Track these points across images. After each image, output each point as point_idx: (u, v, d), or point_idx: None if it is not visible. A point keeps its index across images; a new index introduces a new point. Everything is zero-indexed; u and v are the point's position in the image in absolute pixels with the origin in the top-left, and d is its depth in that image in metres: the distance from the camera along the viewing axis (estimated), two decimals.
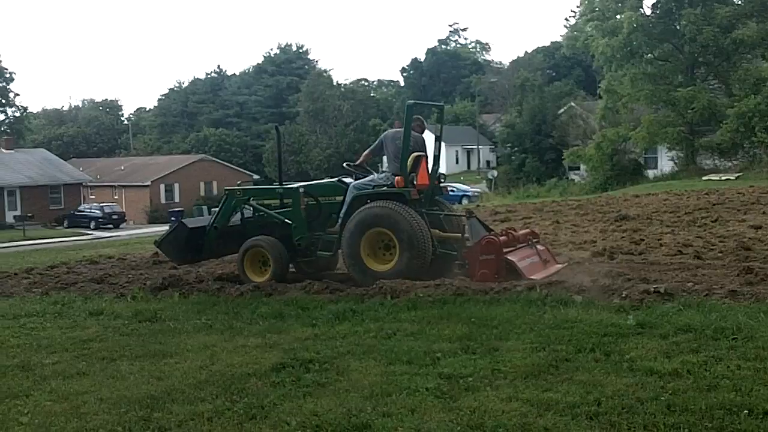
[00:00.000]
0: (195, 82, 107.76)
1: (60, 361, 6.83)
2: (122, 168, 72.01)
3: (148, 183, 65.00)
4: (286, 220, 10.63)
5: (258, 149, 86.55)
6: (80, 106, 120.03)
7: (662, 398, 4.93)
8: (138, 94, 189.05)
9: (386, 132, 10.62)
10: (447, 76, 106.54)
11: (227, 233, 11.14)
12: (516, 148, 59.77)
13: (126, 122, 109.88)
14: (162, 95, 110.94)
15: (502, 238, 9.76)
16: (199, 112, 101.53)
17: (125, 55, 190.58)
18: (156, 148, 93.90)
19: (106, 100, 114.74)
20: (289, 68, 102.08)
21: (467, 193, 52.12)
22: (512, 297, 8.15)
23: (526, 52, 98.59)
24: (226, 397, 5.46)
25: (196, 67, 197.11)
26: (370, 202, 9.89)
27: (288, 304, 8.57)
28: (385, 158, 10.75)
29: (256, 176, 69.15)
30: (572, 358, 5.96)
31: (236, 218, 11.25)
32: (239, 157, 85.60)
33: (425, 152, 10.43)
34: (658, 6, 45.24)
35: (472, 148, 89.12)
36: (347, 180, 10.70)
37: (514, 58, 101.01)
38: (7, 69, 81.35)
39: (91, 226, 55.04)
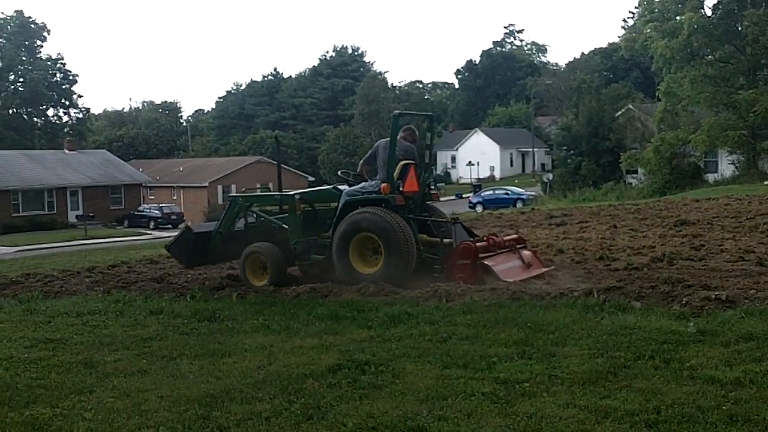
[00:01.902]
0: (252, 84, 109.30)
1: (121, 358, 6.96)
2: (181, 169, 73.63)
3: (206, 184, 66.30)
4: (283, 225, 11.14)
5: (313, 151, 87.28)
6: (140, 108, 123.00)
7: (724, 408, 4.82)
8: (197, 96, 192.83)
9: (379, 141, 10.98)
10: (502, 78, 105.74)
11: (232, 238, 11.71)
12: (572, 151, 58.89)
13: (185, 124, 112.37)
14: (220, 97, 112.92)
15: (481, 243, 10.16)
16: (256, 114, 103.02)
17: (185, 57, 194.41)
18: (213, 150, 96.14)
19: (166, 102, 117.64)
20: (345, 71, 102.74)
21: (522, 196, 51.55)
22: (569, 302, 8.04)
23: (582, 53, 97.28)
24: (283, 397, 5.51)
25: (253, 69, 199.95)
26: (360, 208, 10.28)
27: (343, 305, 8.61)
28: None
29: (311, 178, 69.70)
30: (631, 365, 5.86)
31: (240, 223, 11.87)
32: (295, 159, 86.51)
33: (415, 160, 10.80)
34: (720, 7, 44.12)
35: (527, 151, 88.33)
36: (342, 187, 11.13)
37: (571, 59, 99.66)
38: (70, 71, 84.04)
39: (151, 226, 56.25)
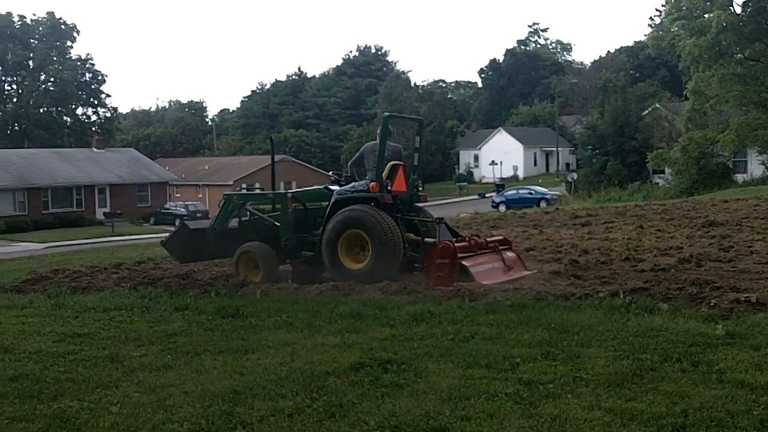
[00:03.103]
0: (276, 84, 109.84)
1: (147, 354, 7.01)
2: (206, 168, 74.19)
3: (231, 182, 65.93)
4: (275, 223, 11.47)
5: (336, 150, 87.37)
6: (167, 107, 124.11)
7: (755, 412, 4.74)
8: (222, 95, 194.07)
9: (366, 144, 11.39)
10: (526, 77, 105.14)
11: (226, 235, 12.00)
12: (597, 151, 58.45)
13: (210, 123, 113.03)
14: (245, 97, 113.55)
15: (462, 244, 10.32)
16: (280, 113, 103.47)
17: (211, 57, 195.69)
18: (238, 149, 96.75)
19: (192, 101, 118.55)
20: (368, 70, 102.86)
21: (546, 196, 50.87)
22: (594, 303, 7.95)
23: (608, 52, 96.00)
24: (305, 394, 5.50)
25: (278, 69, 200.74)
26: (350, 206, 10.59)
27: (366, 304, 8.60)
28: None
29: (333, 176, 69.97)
30: (657, 367, 5.78)
31: (235, 221, 12.19)
32: (318, 157, 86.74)
33: (402, 161, 11.13)
34: (750, 4, 43.50)
35: (551, 150, 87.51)
36: (333, 187, 11.46)
37: (596, 58, 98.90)
38: (99, 71, 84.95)
39: (176, 224, 56.43)
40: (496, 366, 5.95)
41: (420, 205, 11.33)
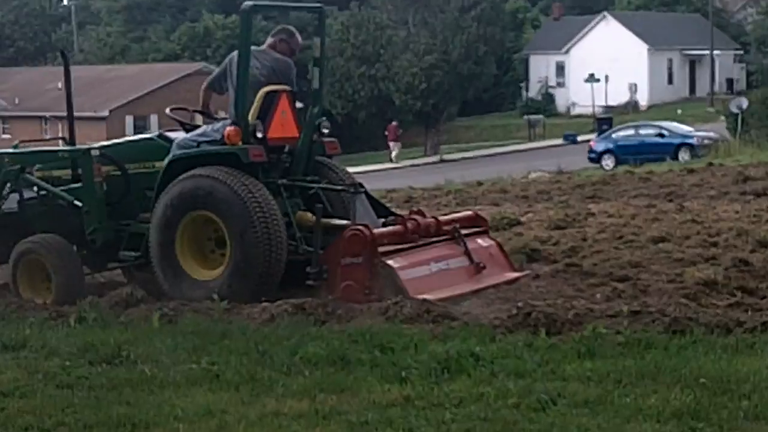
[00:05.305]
0: None
1: None
2: (59, 86, 50.80)
3: (105, 113, 45.97)
4: (75, 202, 7.81)
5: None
6: None
7: None
8: None
9: (233, 54, 7.54)
10: None
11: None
12: None
13: (66, 2, 70.92)
14: None
15: (390, 229, 6.98)
16: None
17: None
18: (119, 51, 62.20)
19: None
20: None
21: (689, 140, 32.77)
22: None
23: None
24: None
25: None
26: (193, 171, 7.13)
27: (355, 339, 5.68)
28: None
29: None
30: None
31: (12, 201, 8.29)
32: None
33: (292, 85, 7.55)
34: None
35: (700, 55, 54.57)
36: (174, 134, 7.87)
37: None
38: None
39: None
40: None
41: (325, 161, 7.76)
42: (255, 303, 6.82)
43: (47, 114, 45.36)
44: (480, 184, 18.62)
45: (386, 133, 44.64)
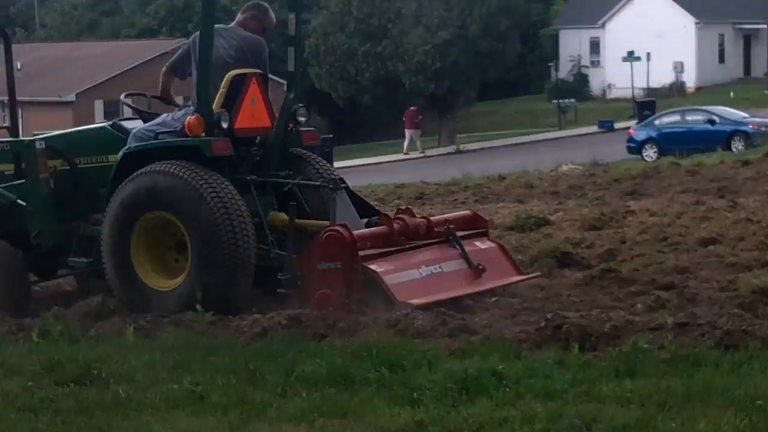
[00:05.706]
0: None
1: None
2: (18, 67, 49.66)
3: (72, 98, 42.06)
4: (18, 201, 7.23)
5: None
6: None
7: None
8: None
9: (196, 33, 7.03)
10: None
11: None
12: None
13: None
14: None
15: (374, 230, 6.48)
16: None
17: None
18: (86, 26, 58.08)
19: None
20: None
21: (743, 128, 30.02)
22: None
23: None
24: None
25: None
26: (150, 166, 6.58)
27: (359, 356, 5.18)
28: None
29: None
30: None
31: None
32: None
33: (263, 67, 6.98)
34: None
35: (756, 30, 49.87)
36: (130, 124, 7.28)
37: None
38: None
39: None
40: None
41: (304, 153, 7.14)
42: (244, 315, 6.29)
43: (4, 99, 42.67)
44: (502, 178, 17.50)
45: (404, 118, 39.29)
